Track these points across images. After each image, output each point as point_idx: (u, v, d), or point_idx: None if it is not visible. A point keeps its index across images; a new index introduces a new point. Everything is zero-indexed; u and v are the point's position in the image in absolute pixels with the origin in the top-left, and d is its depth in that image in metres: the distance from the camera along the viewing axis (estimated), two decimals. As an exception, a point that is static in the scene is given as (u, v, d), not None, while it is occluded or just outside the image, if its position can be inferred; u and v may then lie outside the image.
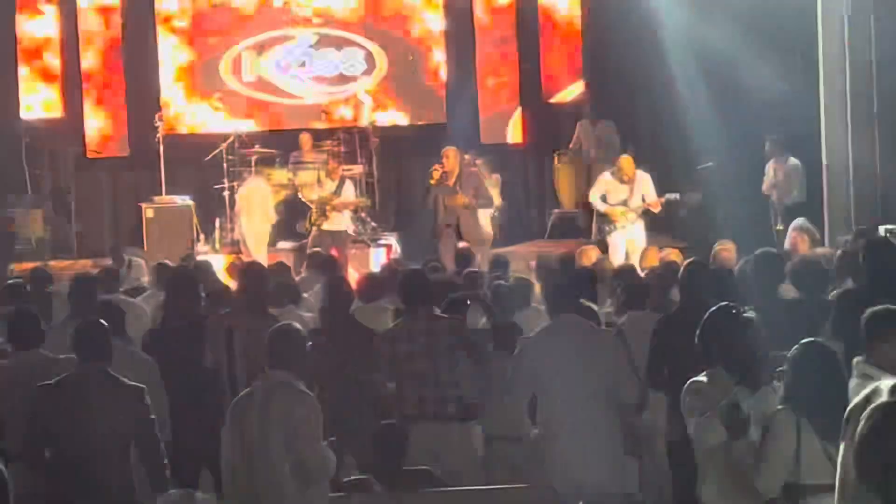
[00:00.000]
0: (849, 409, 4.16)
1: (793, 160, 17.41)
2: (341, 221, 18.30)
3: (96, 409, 7.25)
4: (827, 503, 5.71)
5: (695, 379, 6.45)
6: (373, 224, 19.90)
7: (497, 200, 18.52)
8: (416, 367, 8.73)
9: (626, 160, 16.82)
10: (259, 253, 17.77)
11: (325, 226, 18.13)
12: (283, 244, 19.12)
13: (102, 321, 7.70)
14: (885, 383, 4.04)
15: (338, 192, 18.27)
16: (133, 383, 7.46)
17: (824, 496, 5.73)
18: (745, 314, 6.49)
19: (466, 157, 18.31)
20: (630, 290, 9.82)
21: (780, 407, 5.95)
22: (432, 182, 16.71)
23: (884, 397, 4.02)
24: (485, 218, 17.12)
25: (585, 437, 7.72)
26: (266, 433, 7.00)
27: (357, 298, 10.22)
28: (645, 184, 16.74)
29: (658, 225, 19.25)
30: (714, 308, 6.56)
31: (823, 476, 5.75)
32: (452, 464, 8.44)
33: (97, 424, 7.23)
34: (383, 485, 7.54)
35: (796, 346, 6.00)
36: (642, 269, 13.22)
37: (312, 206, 18.25)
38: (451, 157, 16.87)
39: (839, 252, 11.45)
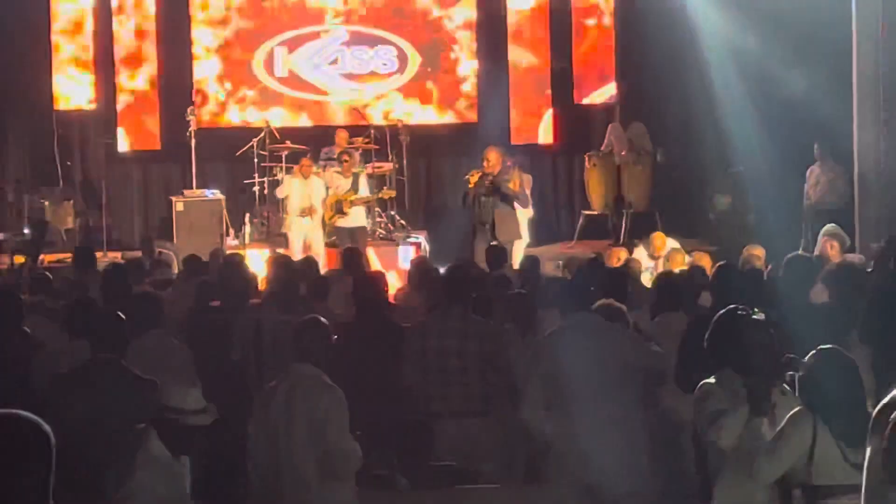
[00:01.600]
0: (877, 409, 4.14)
1: (837, 166, 17.37)
2: (357, 217, 18.31)
3: (106, 401, 7.21)
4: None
5: (705, 381, 6.43)
6: (402, 222, 19.92)
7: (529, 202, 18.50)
8: (446, 364, 8.74)
9: (658, 237, 16.53)
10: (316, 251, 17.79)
11: (341, 222, 18.14)
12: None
13: (119, 314, 7.70)
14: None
15: (354, 188, 18.31)
16: (147, 377, 7.43)
17: (840, 498, 5.73)
18: (754, 316, 6.45)
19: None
20: (661, 292, 9.79)
21: (798, 407, 5.94)
22: (470, 186, 16.62)
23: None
24: (523, 217, 17.10)
25: (602, 436, 7.70)
26: (291, 426, 6.99)
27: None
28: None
29: (687, 229, 19.26)
30: (723, 310, 6.54)
31: (839, 477, 5.75)
32: (477, 460, 8.44)
33: (107, 416, 7.18)
34: (408, 480, 7.54)
35: (812, 353, 5.99)
36: (667, 271, 13.24)
37: (326, 203, 18.24)
38: (493, 159, 16.78)
39: (872, 259, 11.45)
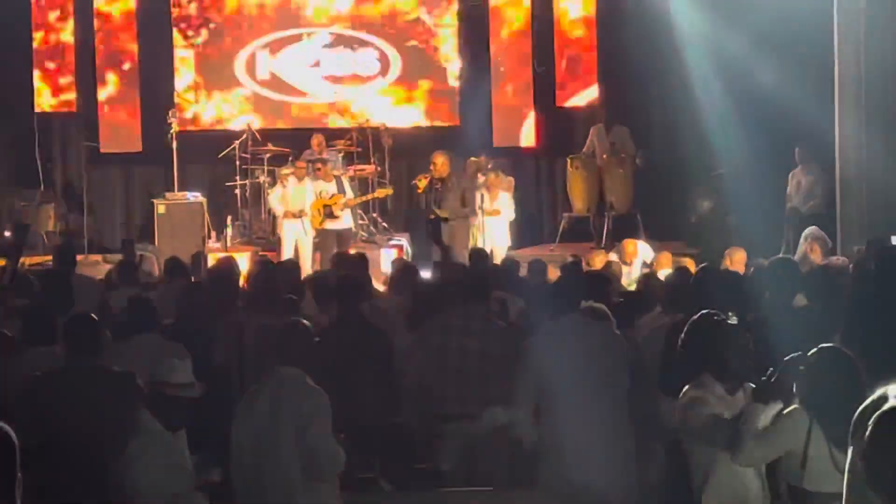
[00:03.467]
0: (857, 413, 4.16)
1: (818, 169, 17.41)
2: (343, 220, 18.33)
3: (86, 403, 7.20)
4: None
5: (689, 388, 6.44)
6: (384, 225, 19.91)
7: (511, 203, 18.54)
8: (465, 363, 8.73)
9: (629, 243, 16.55)
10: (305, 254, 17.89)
11: (329, 225, 18.15)
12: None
13: (93, 315, 7.72)
14: (893, 388, 4.03)
15: (341, 191, 18.33)
16: (123, 370, 7.43)
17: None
18: (729, 321, 6.48)
19: (473, 159, 18.38)
20: (644, 295, 9.81)
21: (795, 406, 5.96)
22: (419, 191, 16.66)
23: (892, 402, 4.01)
24: (501, 225, 17.20)
25: (589, 438, 7.71)
26: (275, 429, 6.99)
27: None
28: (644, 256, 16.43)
29: (669, 232, 19.30)
30: (697, 315, 6.56)
31: (828, 485, 5.75)
32: (485, 463, 8.46)
33: (91, 416, 7.16)
34: (392, 483, 7.54)
35: (814, 351, 5.99)
36: (652, 274, 13.25)
37: (313, 207, 18.23)
38: (439, 164, 16.80)
39: (853, 262, 11.48)
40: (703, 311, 6.51)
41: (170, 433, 6.35)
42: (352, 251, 15.71)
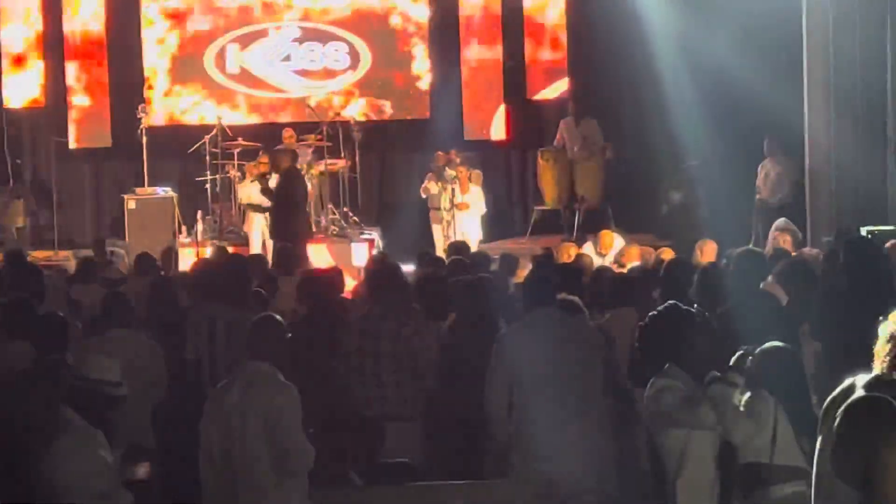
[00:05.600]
0: (826, 404, 4.19)
1: (788, 161, 17.45)
2: None
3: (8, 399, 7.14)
4: (792, 488, 5.80)
5: (658, 378, 6.46)
6: (355, 219, 19.90)
7: (482, 197, 18.57)
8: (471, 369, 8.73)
9: (606, 234, 16.56)
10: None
11: None
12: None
13: (59, 313, 7.70)
14: (860, 378, 4.05)
15: None
16: (55, 359, 7.38)
17: (788, 483, 5.80)
18: (696, 312, 6.50)
19: (439, 153, 18.41)
20: (615, 287, 9.80)
21: (760, 390, 6.00)
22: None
23: (859, 392, 4.03)
24: (472, 219, 17.21)
25: (562, 430, 7.72)
26: (245, 424, 6.96)
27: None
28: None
29: (640, 224, 19.34)
30: (663, 307, 6.57)
31: (794, 459, 5.86)
32: (458, 455, 8.49)
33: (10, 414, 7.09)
34: (362, 478, 7.53)
35: (756, 352, 6.04)
36: (621, 266, 13.28)
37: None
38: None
39: (823, 253, 11.52)
40: (671, 302, 6.53)
41: (95, 430, 6.28)
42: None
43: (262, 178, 17.83)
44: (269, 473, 6.94)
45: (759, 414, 5.96)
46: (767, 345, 6.11)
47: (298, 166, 17.74)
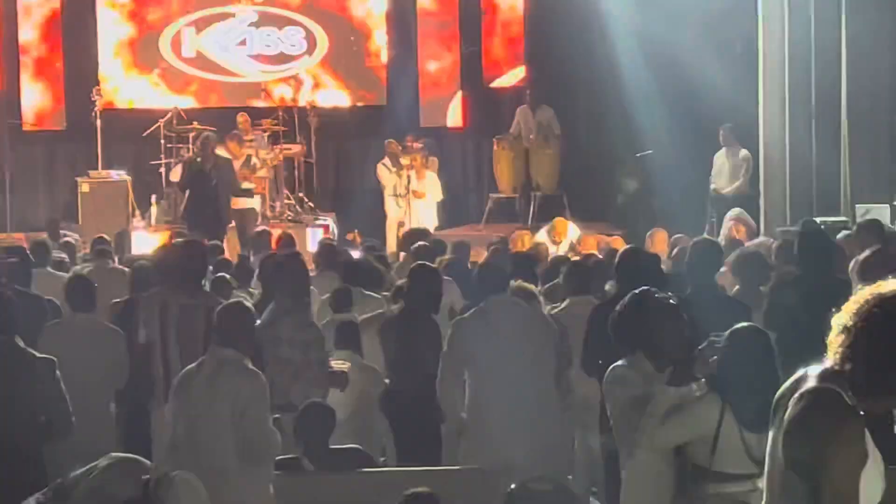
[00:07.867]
0: (777, 395, 4.19)
1: (743, 151, 17.51)
2: (247, 200, 18.17)
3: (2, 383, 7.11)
4: (733, 491, 5.81)
5: (617, 365, 6.47)
6: (310, 204, 19.85)
7: (437, 184, 18.57)
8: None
9: (560, 222, 16.58)
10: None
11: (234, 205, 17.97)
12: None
13: (7, 293, 7.65)
14: (813, 369, 4.06)
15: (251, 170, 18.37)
16: (43, 356, 7.34)
17: (732, 484, 5.82)
18: (667, 300, 6.49)
19: (391, 140, 18.38)
20: (571, 276, 9.80)
21: (707, 391, 5.99)
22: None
23: (811, 383, 4.05)
24: (427, 206, 17.20)
25: (515, 416, 7.75)
26: (212, 411, 6.92)
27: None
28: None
29: (595, 212, 19.39)
30: (634, 292, 6.56)
31: (736, 467, 5.84)
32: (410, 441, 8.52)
33: (3, 398, 7.07)
34: (313, 464, 7.51)
35: (731, 330, 6.02)
36: (577, 255, 13.30)
37: None
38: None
39: (777, 243, 11.57)
40: (644, 288, 6.51)
41: None
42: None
43: (187, 164, 17.68)
44: (234, 460, 6.91)
45: (698, 419, 5.94)
46: (739, 325, 6.10)
47: (224, 153, 17.68)
